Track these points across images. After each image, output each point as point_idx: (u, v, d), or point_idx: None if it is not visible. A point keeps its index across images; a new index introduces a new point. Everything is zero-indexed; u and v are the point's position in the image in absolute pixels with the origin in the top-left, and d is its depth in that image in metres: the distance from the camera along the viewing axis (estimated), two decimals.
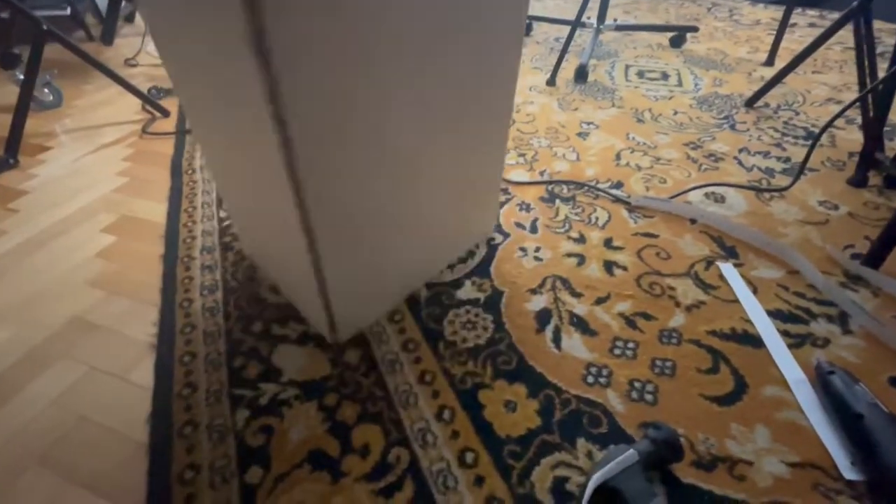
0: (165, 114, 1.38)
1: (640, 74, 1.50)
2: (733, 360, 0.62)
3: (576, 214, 0.89)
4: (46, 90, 1.44)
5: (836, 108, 1.24)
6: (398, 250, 0.65)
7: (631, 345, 0.65)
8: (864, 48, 1.03)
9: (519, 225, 0.87)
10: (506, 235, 0.84)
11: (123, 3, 2.14)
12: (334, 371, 0.63)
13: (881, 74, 1.01)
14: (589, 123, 1.22)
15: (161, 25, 0.55)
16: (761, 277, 0.74)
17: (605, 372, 0.61)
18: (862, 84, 1.06)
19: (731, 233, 0.83)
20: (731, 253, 0.79)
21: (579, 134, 1.17)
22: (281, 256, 0.67)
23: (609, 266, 0.77)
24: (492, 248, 0.82)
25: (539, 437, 0.55)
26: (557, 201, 0.93)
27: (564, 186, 0.97)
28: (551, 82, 1.46)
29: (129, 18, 2.31)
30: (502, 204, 0.92)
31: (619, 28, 1.76)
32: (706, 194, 0.93)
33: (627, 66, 1.56)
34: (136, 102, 1.45)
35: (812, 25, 1.92)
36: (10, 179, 1.11)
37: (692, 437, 0.54)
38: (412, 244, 0.67)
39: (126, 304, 0.76)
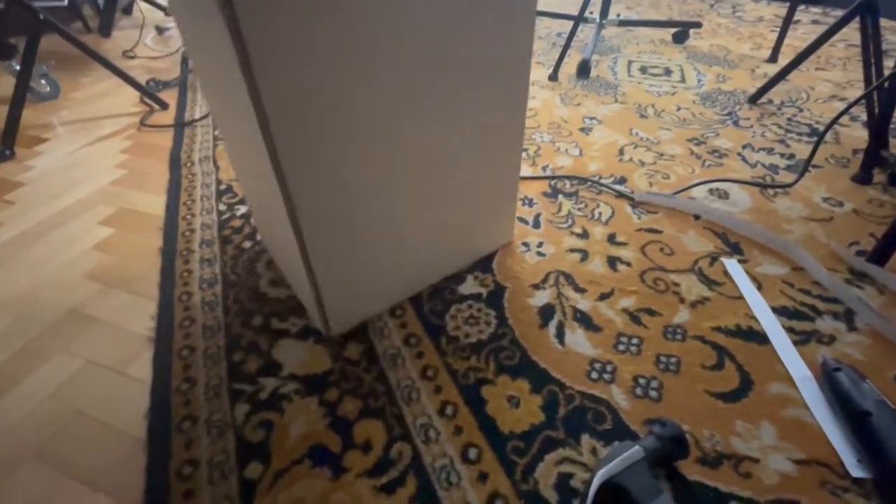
0: (164, 106, 1.36)
1: (643, 70, 1.49)
2: (738, 356, 0.62)
3: (579, 210, 0.89)
4: (43, 81, 1.42)
5: (840, 106, 1.23)
6: (398, 251, 0.64)
7: (635, 341, 0.64)
8: (871, 45, 1.02)
9: (522, 220, 0.86)
10: None
11: None
12: (335, 366, 0.62)
13: (886, 72, 1.01)
14: (592, 119, 1.21)
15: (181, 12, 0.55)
16: (766, 274, 0.74)
17: (609, 368, 0.61)
18: (867, 81, 1.06)
19: (735, 229, 0.83)
20: (735, 249, 0.79)
21: (582, 129, 1.16)
22: (282, 249, 0.66)
23: (612, 262, 0.77)
24: None
25: (543, 433, 0.54)
26: (560, 196, 0.92)
27: (567, 182, 0.97)
28: (554, 77, 1.45)
29: (128, 10, 2.29)
30: None
31: (622, 23, 1.75)
32: (710, 190, 0.93)
33: (630, 62, 1.55)
34: (134, 95, 1.44)
35: (815, 22, 1.91)
36: (7, 171, 1.10)
37: (697, 433, 0.53)
38: (415, 246, 0.66)
39: (124, 297, 0.75)
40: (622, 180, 0.97)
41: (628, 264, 0.76)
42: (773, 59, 1.53)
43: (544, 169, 1.01)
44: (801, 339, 0.64)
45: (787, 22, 1.50)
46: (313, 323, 0.67)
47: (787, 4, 1.51)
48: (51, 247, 0.86)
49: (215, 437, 0.55)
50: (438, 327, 0.67)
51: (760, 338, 0.64)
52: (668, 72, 1.47)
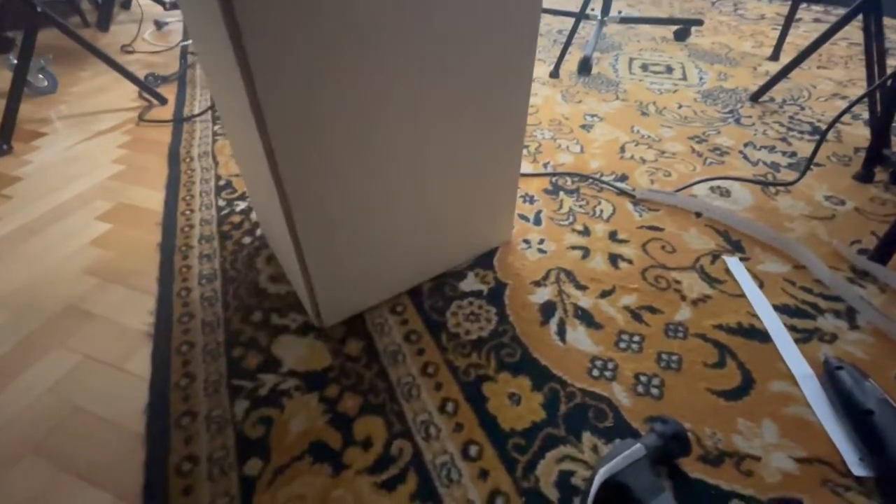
0: (163, 101, 1.35)
1: (645, 67, 1.48)
2: (740, 354, 0.62)
3: (580, 207, 0.88)
4: (41, 75, 1.41)
5: (842, 104, 1.23)
6: (395, 246, 0.64)
7: (636, 338, 0.64)
8: (873, 44, 1.02)
9: (523, 217, 0.86)
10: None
11: None
12: (335, 362, 0.62)
13: (889, 70, 1.00)
14: (593, 116, 1.21)
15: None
16: (768, 272, 0.73)
17: (610, 365, 0.60)
18: (869, 79, 1.05)
19: (737, 227, 0.82)
20: (737, 247, 0.78)
21: (583, 126, 1.16)
22: (279, 242, 0.66)
23: (614, 259, 0.76)
24: None
25: (544, 431, 0.54)
26: (561, 193, 0.92)
27: (569, 179, 0.96)
28: (555, 74, 1.44)
29: (126, 5, 2.27)
30: None
31: (624, 21, 1.75)
32: (711, 188, 0.92)
33: (631, 59, 1.54)
34: (132, 89, 1.43)
35: (817, 21, 1.90)
36: (4, 165, 1.09)
37: (699, 431, 0.53)
38: (413, 241, 0.66)
39: (122, 292, 0.74)
40: (623, 177, 0.96)
41: (630, 262, 0.76)
42: (774, 57, 1.53)
43: (545, 166, 1.01)
44: (803, 338, 0.63)
45: (789, 20, 1.49)
46: (308, 314, 0.67)
47: (789, 2, 1.50)
48: (49, 242, 0.85)
49: (215, 433, 0.55)
50: (439, 324, 0.66)
51: (762, 336, 0.64)
52: (669, 69, 1.47)
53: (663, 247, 0.79)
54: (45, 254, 0.83)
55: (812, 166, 0.97)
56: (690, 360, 0.61)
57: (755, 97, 1.26)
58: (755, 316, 0.66)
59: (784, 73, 1.21)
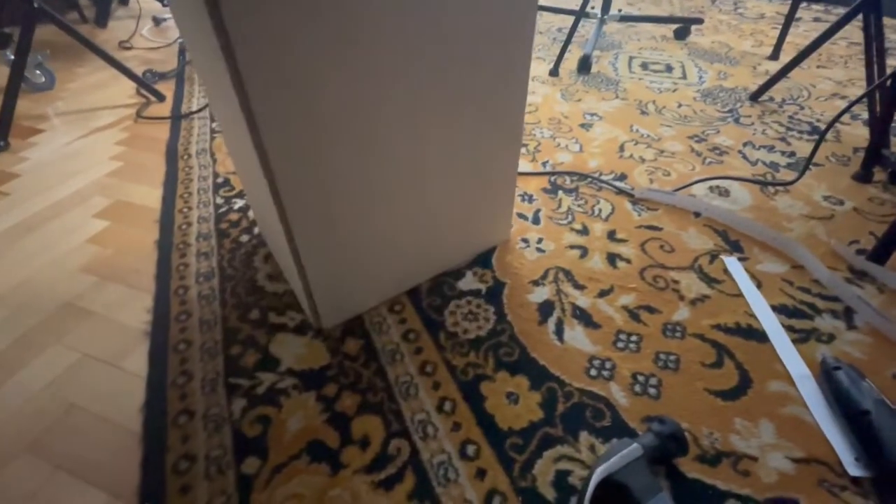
0: (161, 98, 1.35)
1: (644, 66, 1.48)
2: (737, 354, 0.62)
3: (579, 206, 0.88)
4: (38, 72, 1.41)
5: (842, 104, 1.23)
6: (393, 247, 0.64)
7: (634, 338, 0.64)
8: (873, 43, 1.02)
9: (521, 216, 0.86)
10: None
11: None
12: (333, 361, 0.62)
13: (888, 70, 1.00)
14: (592, 115, 1.20)
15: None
16: (766, 272, 0.73)
17: (608, 365, 0.60)
18: (869, 79, 1.05)
19: (735, 226, 0.82)
20: (735, 247, 0.78)
21: (582, 125, 1.16)
22: (276, 242, 0.65)
23: (612, 258, 0.76)
24: None
25: (541, 430, 0.54)
26: (560, 192, 0.92)
27: (567, 178, 0.96)
28: (554, 72, 1.44)
29: (124, 1, 2.26)
30: None
31: (624, 19, 1.74)
32: (710, 188, 0.92)
33: (631, 58, 1.54)
34: (130, 86, 1.42)
35: (817, 20, 1.90)
36: (1, 162, 1.08)
37: (696, 431, 0.53)
38: (411, 242, 0.66)
39: (119, 290, 0.74)
40: (622, 177, 0.96)
41: (628, 261, 0.76)
42: (774, 56, 1.52)
43: (544, 165, 1.01)
44: (801, 338, 0.63)
45: (789, 19, 1.49)
46: (306, 316, 0.67)
47: (789, 2, 1.50)
48: (46, 239, 0.85)
49: (212, 431, 0.54)
50: (437, 323, 0.66)
51: (760, 336, 0.64)
52: (669, 68, 1.46)
53: (662, 246, 0.79)
54: (42, 251, 0.82)
55: (811, 166, 0.97)
56: (688, 360, 0.61)
57: (755, 96, 1.26)
58: (753, 316, 0.66)
59: (784, 72, 1.20)
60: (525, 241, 0.80)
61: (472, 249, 0.76)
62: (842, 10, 1.47)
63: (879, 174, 0.94)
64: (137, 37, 1.84)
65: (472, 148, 0.62)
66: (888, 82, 0.88)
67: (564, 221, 0.84)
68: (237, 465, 0.51)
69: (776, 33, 1.65)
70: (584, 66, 1.43)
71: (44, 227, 0.88)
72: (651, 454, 0.48)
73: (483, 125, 0.61)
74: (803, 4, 2.08)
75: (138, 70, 1.43)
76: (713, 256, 0.76)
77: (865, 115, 1.16)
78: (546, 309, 0.68)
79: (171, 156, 1.07)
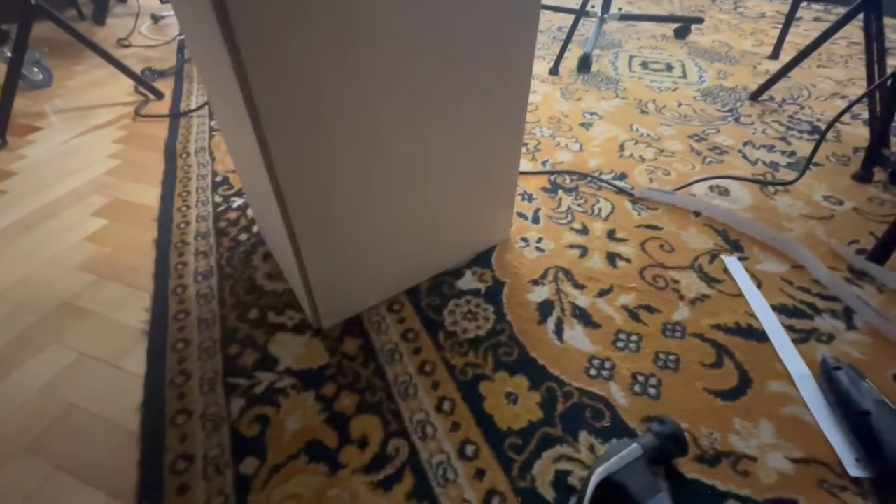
0: (159, 96, 1.34)
1: (644, 65, 1.48)
2: (737, 354, 0.61)
3: (578, 205, 0.88)
4: (36, 69, 1.40)
5: (842, 103, 1.22)
6: (394, 246, 0.64)
7: (634, 338, 0.64)
8: (874, 43, 1.02)
9: (521, 215, 0.86)
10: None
11: None
12: (332, 360, 0.61)
13: (889, 70, 1.00)
14: (592, 114, 1.20)
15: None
16: (766, 272, 0.73)
17: (607, 365, 0.60)
18: (869, 79, 1.05)
19: (735, 226, 0.82)
20: (735, 246, 0.78)
21: (582, 124, 1.15)
22: (276, 241, 0.65)
23: (612, 258, 0.76)
24: None
25: (540, 430, 0.54)
26: (560, 192, 0.92)
27: (567, 177, 0.96)
28: (554, 71, 1.43)
29: None
30: None
31: (624, 18, 1.74)
32: (710, 187, 0.92)
33: (631, 57, 1.54)
34: (128, 84, 1.42)
35: (817, 20, 1.90)
36: None
37: (696, 431, 0.53)
38: (411, 241, 0.65)
39: (118, 289, 0.74)
40: (622, 176, 0.96)
41: (628, 261, 0.76)
42: (774, 55, 1.52)
43: (544, 164, 1.00)
44: (801, 338, 0.63)
45: (790, 19, 1.49)
46: (306, 315, 0.67)
47: (790, 1, 1.50)
48: (43, 237, 0.85)
49: (210, 431, 0.54)
50: (437, 322, 0.66)
51: (760, 336, 0.64)
52: (669, 67, 1.46)
53: (662, 246, 0.78)
54: (40, 249, 0.82)
55: (811, 166, 0.97)
56: (688, 360, 0.61)
57: (755, 96, 1.26)
58: (753, 316, 0.66)
59: (784, 71, 1.20)
60: (525, 240, 0.80)
61: (472, 249, 0.76)
62: (842, 10, 1.47)
63: (879, 174, 0.94)
64: (136, 34, 1.83)
65: (472, 148, 0.62)
66: (888, 82, 0.87)
67: (564, 221, 0.84)
68: (235, 464, 0.51)
69: (776, 33, 1.65)
70: (584, 64, 1.43)
71: (42, 225, 0.88)
72: (650, 454, 0.47)
73: (484, 125, 0.61)
74: (804, 4, 2.08)
75: (137, 68, 1.43)
76: (713, 256, 0.76)
77: (866, 115, 1.16)
78: (545, 308, 0.68)
79: (170, 154, 1.07)
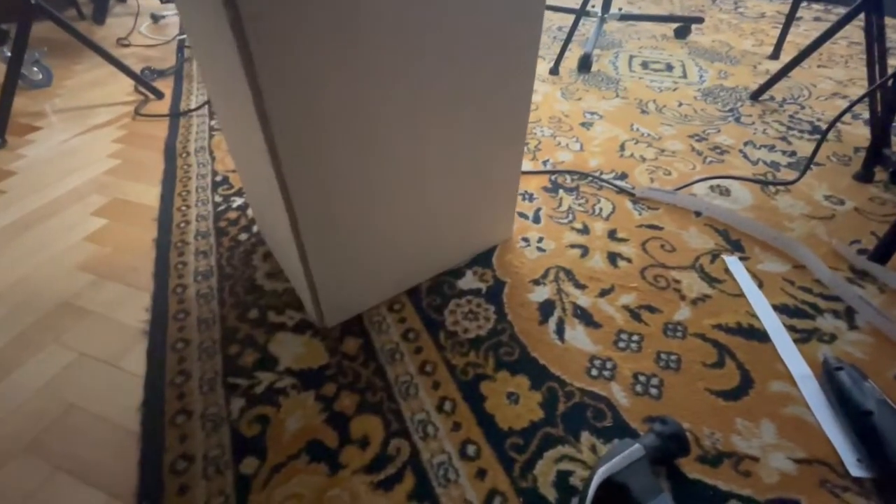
0: (159, 95, 1.34)
1: (645, 65, 1.48)
2: (739, 354, 0.61)
3: (579, 205, 0.88)
4: (35, 68, 1.40)
5: (842, 103, 1.22)
6: (396, 246, 0.64)
7: (635, 338, 0.63)
8: (875, 43, 1.02)
9: (522, 215, 0.85)
10: None
11: None
12: (332, 360, 0.61)
13: (890, 70, 1.00)
14: (593, 113, 1.20)
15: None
16: (767, 271, 0.73)
17: (609, 365, 0.60)
18: (870, 79, 1.05)
19: (736, 226, 0.82)
20: (736, 246, 0.78)
21: (583, 124, 1.15)
22: (278, 242, 0.65)
23: (613, 258, 0.76)
24: None
25: (542, 430, 0.53)
26: (561, 191, 0.91)
27: (568, 177, 0.96)
28: (555, 71, 1.43)
29: None
30: None
31: (624, 18, 1.74)
32: (711, 187, 0.92)
33: (631, 57, 1.54)
34: (128, 83, 1.42)
35: (817, 19, 1.90)
36: None
37: (697, 431, 0.53)
38: (414, 241, 0.65)
39: (117, 288, 0.73)
40: (623, 176, 0.96)
41: (629, 260, 0.76)
42: (775, 55, 1.52)
43: (545, 164, 1.00)
44: (802, 338, 0.63)
45: (790, 18, 1.49)
46: (308, 314, 0.67)
47: (790, 1, 1.50)
48: (43, 237, 0.85)
49: (210, 431, 0.54)
50: (437, 322, 0.66)
51: (761, 336, 0.64)
52: (669, 67, 1.46)
53: (663, 246, 0.78)
54: (40, 249, 0.82)
55: (812, 166, 0.97)
56: (689, 360, 0.61)
57: (755, 96, 1.26)
58: (754, 316, 0.66)
59: (784, 71, 1.20)
60: (525, 240, 0.80)
61: (473, 249, 0.76)
62: (842, 10, 1.47)
63: (880, 174, 0.94)
64: (136, 34, 1.83)
65: (473, 149, 0.62)
66: (889, 82, 0.87)
67: (565, 220, 0.84)
68: (235, 465, 0.51)
69: (777, 32, 1.65)
70: (585, 64, 1.42)
71: (41, 224, 0.88)
72: (652, 455, 0.47)
73: (485, 126, 0.61)
74: (804, 4, 2.08)
75: (136, 67, 1.43)
76: (714, 256, 0.76)
77: (866, 115, 1.16)
78: (547, 308, 0.68)
79: (170, 153, 1.07)
